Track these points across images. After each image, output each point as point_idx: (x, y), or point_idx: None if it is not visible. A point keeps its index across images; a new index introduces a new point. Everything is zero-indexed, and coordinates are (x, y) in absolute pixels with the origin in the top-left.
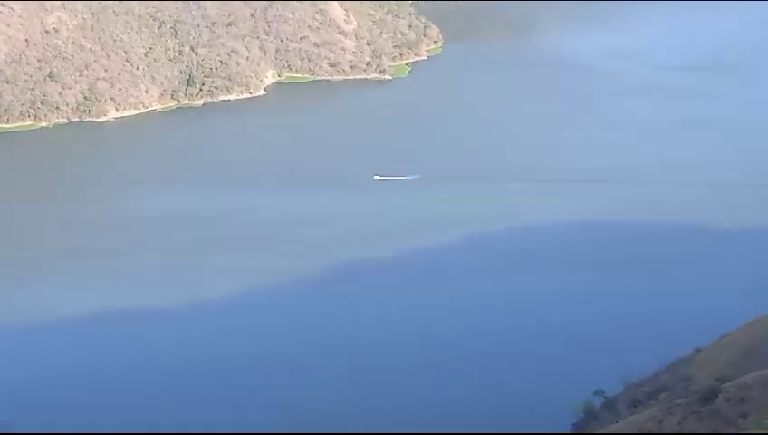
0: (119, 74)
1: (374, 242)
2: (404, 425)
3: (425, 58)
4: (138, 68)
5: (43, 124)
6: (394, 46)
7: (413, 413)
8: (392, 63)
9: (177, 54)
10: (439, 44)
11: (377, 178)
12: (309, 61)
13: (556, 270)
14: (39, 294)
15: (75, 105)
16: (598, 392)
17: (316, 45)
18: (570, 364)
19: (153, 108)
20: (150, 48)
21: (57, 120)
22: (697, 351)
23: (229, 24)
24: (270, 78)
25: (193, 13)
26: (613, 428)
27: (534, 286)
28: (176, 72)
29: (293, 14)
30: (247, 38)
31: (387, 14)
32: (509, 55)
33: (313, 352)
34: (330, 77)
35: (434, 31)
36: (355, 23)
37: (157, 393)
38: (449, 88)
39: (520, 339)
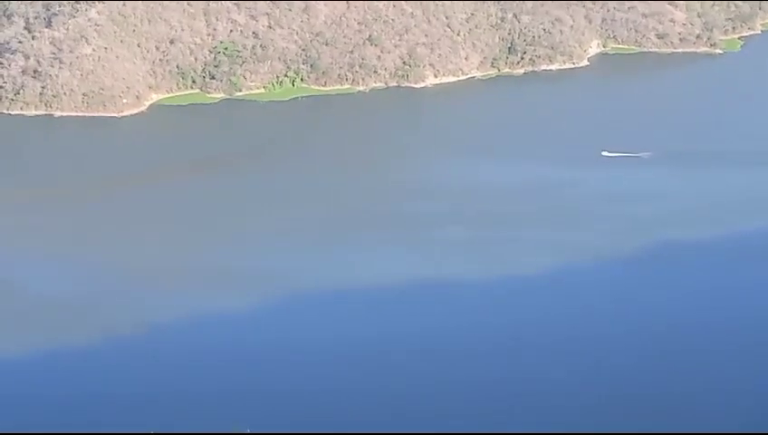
0: (439, 40)
1: (698, 222)
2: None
3: (759, 32)
4: (458, 34)
5: (360, 88)
6: (726, 19)
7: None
8: (723, 37)
9: (499, 21)
10: None
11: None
12: (636, 32)
13: None
14: (345, 261)
15: (393, 70)
16: None
17: (644, 16)
18: None
19: (472, 75)
20: (472, 14)
21: (374, 85)
22: None
23: None
24: (594, 48)
25: None
26: None
27: None
28: (497, 40)
29: None
30: (572, 6)
31: None
32: None
33: (625, 333)
34: (657, 49)
35: None
36: None
37: (463, 370)
38: None
39: None
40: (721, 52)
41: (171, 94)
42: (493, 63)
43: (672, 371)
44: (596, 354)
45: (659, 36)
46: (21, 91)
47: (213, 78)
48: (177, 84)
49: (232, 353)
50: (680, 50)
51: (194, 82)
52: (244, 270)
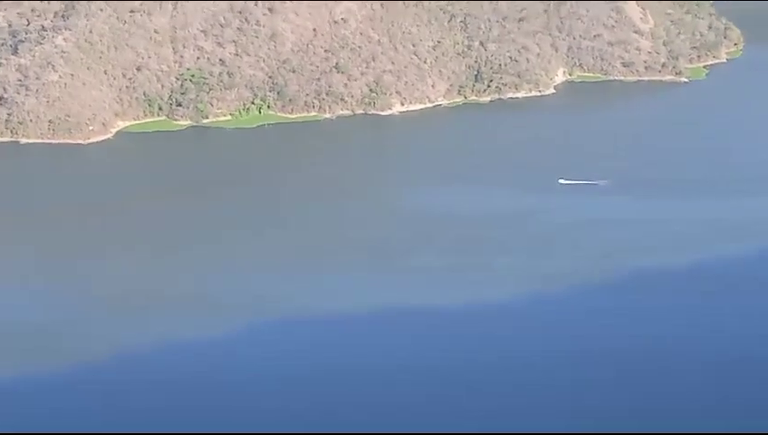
0: (405, 67)
1: (671, 249)
2: None
3: (723, 61)
4: (425, 62)
5: (327, 116)
6: (691, 48)
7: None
8: (689, 65)
9: (465, 49)
10: (740, 47)
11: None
12: (602, 60)
13: None
14: (317, 287)
15: (360, 97)
16: None
17: (610, 44)
18: None
19: (439, 103)
20: (439, 42)
21: (341, 112)
22: None
23: (521, 20)
24: (560, 76)
25: (484, 7)
26: None
27: None
28: (463, 68)
29: (588, 11)
30: (539, 34)
31: (686, 13)
32: None
33: (599, 359)
34: (623, 77)
35: (735, 33)
36: (652, 22)
37: (433, 395)
38: (749, 94)
39: None
40: (686, 80)
41: (138, 121)
42: (459, 91)
43: (647, 394)
44: (570, 379)
45: (625, 64)
46: None
47: (179, 105)
48: (144, 111)
49: (204, 380)
50: (646, 78)
51: (160, 109)
52: (214, 297)
